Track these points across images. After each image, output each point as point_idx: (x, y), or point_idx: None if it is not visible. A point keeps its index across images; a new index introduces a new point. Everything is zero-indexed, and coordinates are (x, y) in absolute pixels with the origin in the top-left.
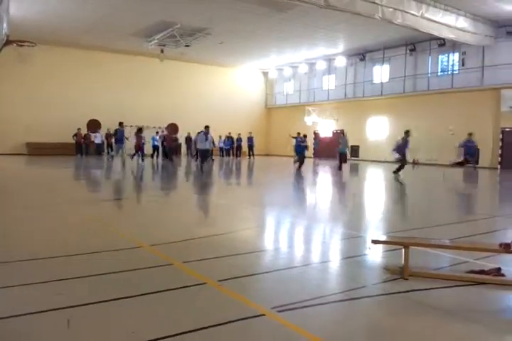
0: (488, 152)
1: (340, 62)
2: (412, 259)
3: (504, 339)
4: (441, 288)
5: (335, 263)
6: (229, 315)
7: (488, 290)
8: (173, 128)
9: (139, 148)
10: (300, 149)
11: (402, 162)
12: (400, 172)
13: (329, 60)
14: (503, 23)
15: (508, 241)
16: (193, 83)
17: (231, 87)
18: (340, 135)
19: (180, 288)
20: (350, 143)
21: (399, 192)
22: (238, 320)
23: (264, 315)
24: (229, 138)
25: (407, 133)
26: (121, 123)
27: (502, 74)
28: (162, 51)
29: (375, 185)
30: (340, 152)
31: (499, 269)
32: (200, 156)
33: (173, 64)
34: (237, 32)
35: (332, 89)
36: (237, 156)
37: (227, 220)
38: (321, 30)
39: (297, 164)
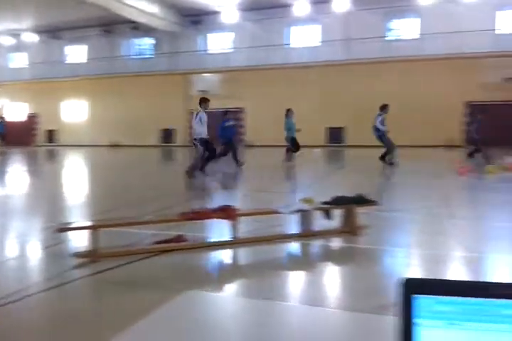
0: (183, 131)
1: (31, 38)
2: (105, 240)
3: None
4: (131, 262)
5: (21, 258)
6: None
7: (173, 255)
8: None
9: None
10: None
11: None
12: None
13: (17, 35)
14: (188, 13)
15: (186, 210)
16: None
17: None
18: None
19: None
20: (52, 126)
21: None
22: None
23: None
24: None
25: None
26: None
27: (191, 60)
28: None
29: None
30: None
31: (181, 236)
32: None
33: None
34: None
35: (22, 68)
36: None
37: None
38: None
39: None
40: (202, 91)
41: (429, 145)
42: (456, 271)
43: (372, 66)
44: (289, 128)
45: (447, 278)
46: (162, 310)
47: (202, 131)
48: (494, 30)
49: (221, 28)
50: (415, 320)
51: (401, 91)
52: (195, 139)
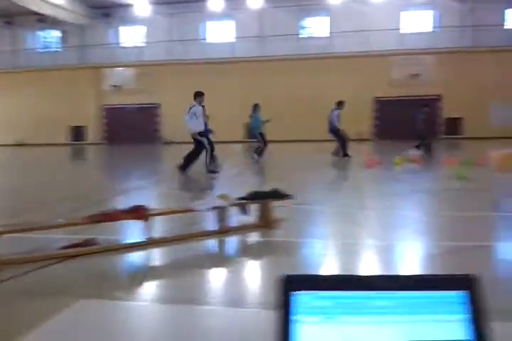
0: (95, 128)
1: None
2: (6, 247)
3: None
4: (34, 270)
5: None
6: None
7: (82, 261)
8: None
9: None
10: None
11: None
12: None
13: None
14: (98, 5)
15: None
16: None
17: None
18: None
19: None
20: None
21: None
22: None
23: None
24: None
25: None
26: None
27: (103, 53)
28: None
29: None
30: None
31: (91, 239)
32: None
33: None
34: None
35: None
36: None
37: None
38: None
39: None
40: (115, 86)
41: None
42: (369, 260)
43: (286, 63)
44: (257, 124)
45: (324, 273)
46: (51, 321)
47: (197, 125)
48: (399, 29)
49: (133, 21)
50: (294, 317)
51: (313, 87)
52: (194, 139)
